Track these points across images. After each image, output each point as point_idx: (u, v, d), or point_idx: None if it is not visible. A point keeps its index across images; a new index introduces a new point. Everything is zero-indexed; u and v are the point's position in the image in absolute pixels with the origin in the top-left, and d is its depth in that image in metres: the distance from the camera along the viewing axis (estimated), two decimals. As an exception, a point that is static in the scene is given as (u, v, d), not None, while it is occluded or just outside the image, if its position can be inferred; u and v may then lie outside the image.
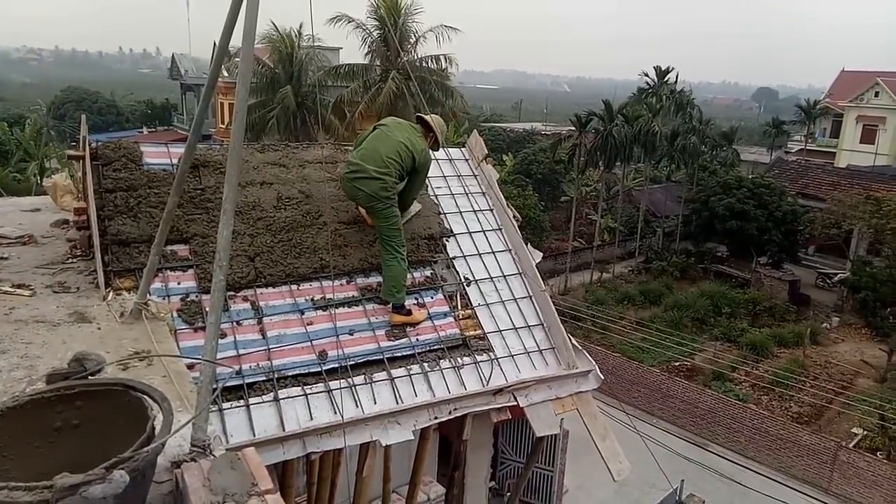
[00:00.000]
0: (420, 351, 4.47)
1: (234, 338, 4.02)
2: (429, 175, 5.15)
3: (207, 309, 3.71)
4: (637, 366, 20.12)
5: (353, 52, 25.67)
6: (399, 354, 4.40)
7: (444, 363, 4.47)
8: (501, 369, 4.60)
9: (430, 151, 4.92)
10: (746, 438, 17.47)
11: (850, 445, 16.64)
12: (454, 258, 5.20)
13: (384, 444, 3.99)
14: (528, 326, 4.99)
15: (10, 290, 3.96)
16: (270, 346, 4.08)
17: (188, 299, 4.12)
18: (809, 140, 50.19)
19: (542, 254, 5.76)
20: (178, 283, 4.19)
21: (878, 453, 16.50)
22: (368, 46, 24.24)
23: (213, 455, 2.20)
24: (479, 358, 4.60)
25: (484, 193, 5.84)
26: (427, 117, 4.97)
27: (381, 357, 4.33)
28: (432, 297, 4.87)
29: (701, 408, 18.42)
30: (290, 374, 4.00)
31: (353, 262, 4.77)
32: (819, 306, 27.25)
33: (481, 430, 5.30)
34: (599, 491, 14.04)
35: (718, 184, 30.05)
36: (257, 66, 24.42)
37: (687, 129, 32.98)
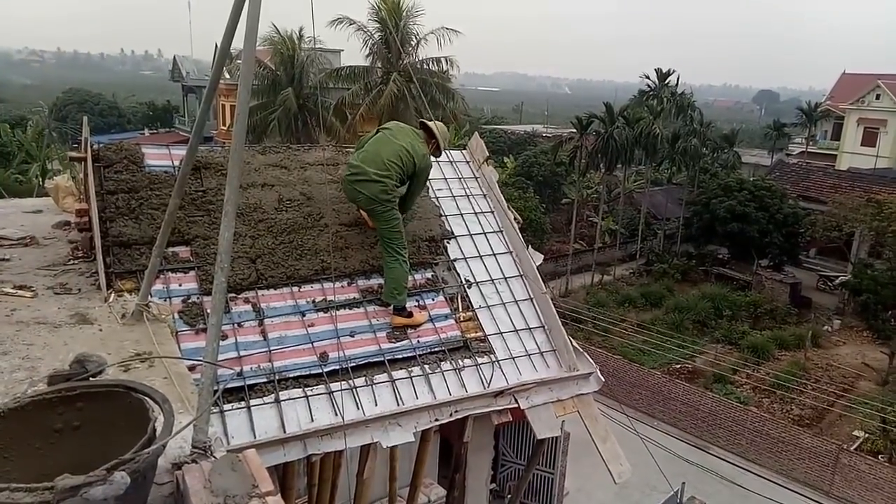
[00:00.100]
0: (421, 353, 4.47)
1: (236, 339, 4.03)
2: (430, 177, 5.16)
3: (209, 310, 3.71)
4: (638, 368, 20.11)
5: (354, 54, 25.71)
6: (400, 356, 4.40)
7: (445, 365, 4.47)
8: (502, 371, 4.60)
9: (431, 157, 4.94)
10: (747, 441, 17.45)
11: (852, 448, 16.62)
12: (455, 260, 5.20)
13: (385, 446, 3.98)
14: (529, 328, 4.98)
15: (11, 291, 3.96)
16: (271, 348, 4.08)
17: (189, 301, 4.12)
18: (810, 143, 50.20)
19: (542, 256, 5.76)
20: (180, 285, 4.19)
21: (879, 456, 16.47)
22: (369, 48, 24.27)
23: (214, 456, 2.20)
24: (479, 360, 4.60)
25: (485, 195, 5.84)
26: (430, 123, 4.99)
27: (382, 359, 4.33)
28: (433, 299, 4.87)
29: (702, 410, 18.40)
30: (291, 375, 4.00)
31: (355, 264, 4.77)
32: (820, 309, 27.23)
33: (482, 432, 5.30)
34: (600, 493, 14.03)
35: (719, 186, 30.05)
36: (259, 69, 24.46)
37: (688, 132, 33.00)
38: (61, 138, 41.97)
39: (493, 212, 5.72)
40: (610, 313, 24.52)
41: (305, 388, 3.97)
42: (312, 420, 3.82)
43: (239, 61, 2.82)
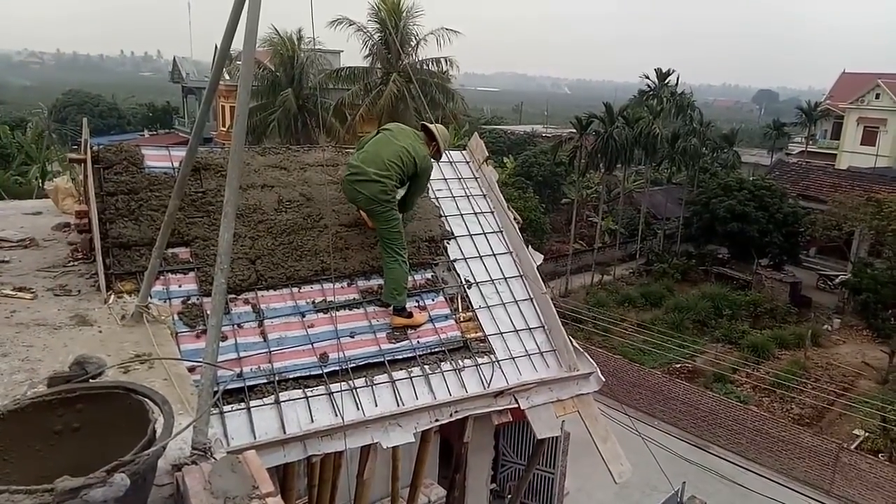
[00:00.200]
0: (421, 353, 4.48)
1: (235, 340, 4.03)
2: (430, 178, 5.16)
3: (208, 312, 3.71)
4: (638, 368, 20.11)
5: (353, 54, 25.71)
6: (400, 357, 4.40)
7: (445, 365, 4.47)
8: (502, 371, 4.60)
9: (432, 159, 4.94)
10: (748, 440, 17.45)
11: (852, 447, 16.61)
12: (455, 260, 5.20)
13: (385, 447, 3.99)
14: (529, 328, 4.98)
15: (11, 293, 3.96)
16: (271, 349, 4.08)
17: (189, 302, 4.12)
18: (810, 142, 50.20)
19: (542, 256, 5.76)
20: (180, 286, 4.19)
21: (879, 455, 16.46)
22: (369, 49, 24.27)
23: (214, 458, 2.20)
24: (480, 360, 4.60)
25: (485, 196, 5.84)
26: (431, 126, 5.00)
27: (382, 359, 4.33)
28: (433, 300, 4.87)
29: (702, 410, 18.40)
30: (291, 376, 4.00)
31: (354, 265, 4.77)
32: (820, 308, 27.23)
33: (482, 433, 5.30)
34: (600, 493, 14.02)
35: (719, 186, 30.04)
36: (258, 69, 24.46)
37: (688, 132, 33.00)
38: (61, 140, 41.92)
39: (492, 212, 5.72)
40: (610, 313, 24.52)
41: (305, 389, 3.97)
42: (312, 421, 3.83)
43: (239, 62, 2.82)
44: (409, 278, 4.75)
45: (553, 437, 5.62)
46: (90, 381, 2.11)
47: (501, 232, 5.59)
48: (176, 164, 4.78)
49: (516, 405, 4.50)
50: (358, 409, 4.00)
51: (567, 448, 8.54)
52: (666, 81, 42.12)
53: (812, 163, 41.55)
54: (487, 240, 5.48)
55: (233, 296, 4.22)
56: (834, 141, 47.79)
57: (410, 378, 4.30)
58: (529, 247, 5.55)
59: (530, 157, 37.54)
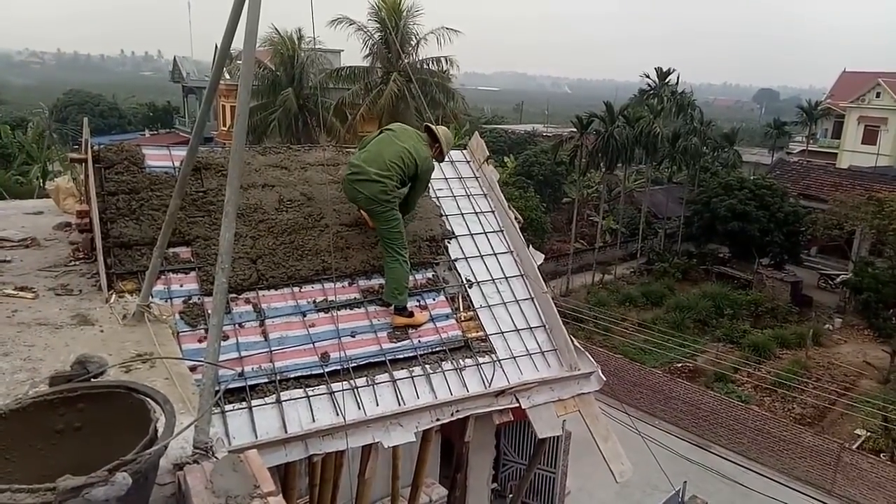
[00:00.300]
0: (422, 353, 4.48)
1: (237, 340, 4.03)
2: (431, 177, 5.16)
3: (210, 311, 3.72)
4: (639, 367, 20.11)
5: (354, 54, 25.71)
6: (401, 356, 4.41)
7: (446, 365, 4.47)
8: (503, 371, 4.60)
9: (434, 161, 4.95)
10: (749, 440, 17.44)
11: (853, 447, 16.60)
12: (456, 260, 5.20)
13: (386, 446, 3.99)
14: (530, 328, 4.98)
15: (12, 292, 3.96)
16: (272, 349, 4.08)
17: (190, 302, 4.12)
18: (811, 141, 50.18)
19: (543, 255, 5.76)
20: (181, 286, 4.19)
21: (881, 455, 16.46)
22: (369, 49, 24.27)
23: (216, 457, 2.20)
24: (481, 360, 4.60)
25: (485, 195, 5.84)
26: (435, 128, 5.00)
27: (383, 359, 4.33)
28: (434, 299, 4.87)
29: (703, 409, 18.39)
30: (293, 376, 4.01)
31: (355, 265, 4.77)
32: (821, 307, 27.22)
33: (483, 432, 5.29)
34: (601, 492, 14.02)
35: (720, 185, 30.03)
36: (259, 69, 24.46)
37: (688, 131, 32.96)
38: (62, 140, 41.96)
39: (493, 211, 5.72)
40: (611, 312, 24.52)
41: (307, 389, 3.98)
42: (314, 420, 3.83)
43: (239, 62, 2.82)
44: (410, 278, 4.75)
45: (554, 437, 5.62)
46: (92, 380, 2.12)
47: (502, 231, 5.59)
48: (177, 164, 4.78)
49: (517, 404, 4.50)
50: (359, 408, 4.00)
51: (568, 447, 8.54)
52: (666, 80, 42.09)
53: (813, 162, 41.53)
54: (488, 239, 5.48)
55: (234, 295, 4.22)
56: (835, 140, 47.77)
57: (412, 377, 4.30)
58: (530, 246, 5.55)
59: (531, 157, 37.54)
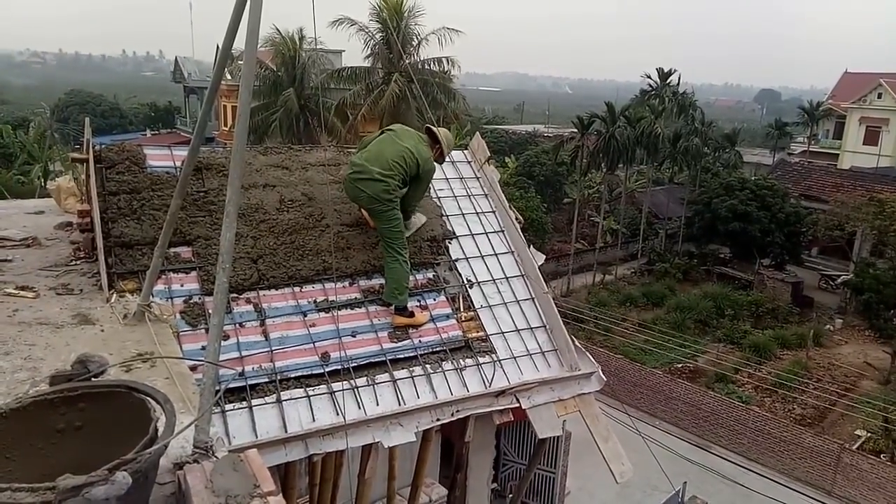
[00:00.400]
0: (422, 353, 4.48)
1: (237, 339, 4.03)
2: (431, 181, 5.16)
3: (210, 311, 3.73)
4: (640, 368, 20.10)
5: (355, 54, 25.75)
6: (401, 356, 4.41)
7: (447, 365, 4.47)
8: (504, 371, 4.60)
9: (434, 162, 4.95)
10: (749, 440, 17.43)
11: (854, 448, 16.59)
12: (457, 260, 5.20)
13: (386, 446, 3.99)
14: (531, 328, 4.99)
15: (13, 292, 3.97)
16: (273, 348, 4.08)
17: (191, 301, 4.13)
18: (812, 142, 50.14)
19: (544, 256, 5.76)
20: (182, 285, 4.20)
21: (881, 455, 16.44)
22: (371, 49, 24.27)
23: (216, 456, 2.20)
24: (481, 360, 4.60)
25: (486, 195, 5.85)
26: (436, 129, 5.00)
27: (384, 359, 4.33)
28: (435, 299, 4.88)
29: (703, 410, 18.38)
30: (293, 375, 4.01)
31: (356, 265, 4.78)
32: (822, 308, 27.20)
33: (483, 432, 5.30)
34: (601, 492, 14.02)
35: (721, 185, 30.03)
36: (260, 69, 24.48)
37: (689, 131, 32.95)
38: (63, 139, 42.01)
39: (494, 212, 5.72)
40: (611, 313, 24.51)
41: (307, 388, 3.98)
42: (314, 420, 3.83)
43: (240, 62, 2.82)
44: (411, 278, 4.76)
45: (554, 437, 5.62)
46: (92, 379, 2.12)
47: (503, 231, 5.59)
48: (178, 164, 4.79)
49: (517, 405, 4.50)
50: (359, 408, 4.01)
51: (568, 448, 8.54)
52: (668, 81, 42.04)
53: (814, 163, 41.53)
54: (489, 239, 5.48)
55: (235, 295, 4.23)
56: (836, 141, 47.75)
57: (412, 377, 4.31)
58: (531, 246, 5.55)
59: (532, 157, 37.53)
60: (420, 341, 4.53)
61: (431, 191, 5.54)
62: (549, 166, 36.34)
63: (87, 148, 4.69)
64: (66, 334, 3.40)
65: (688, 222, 31.94)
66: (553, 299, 5.27)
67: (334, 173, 5.30)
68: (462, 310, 4.89)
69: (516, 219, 5.67)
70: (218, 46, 4.98)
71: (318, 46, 25.57)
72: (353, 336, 4.38)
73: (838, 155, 45.26)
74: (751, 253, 28.87)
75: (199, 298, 4.15)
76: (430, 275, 5.02)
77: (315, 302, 4.46)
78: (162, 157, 4.88)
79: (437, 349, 4.54)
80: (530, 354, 4.81)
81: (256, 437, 3.62)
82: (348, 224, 4.98)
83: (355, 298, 4.62)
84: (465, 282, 5.07)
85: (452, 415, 4.25)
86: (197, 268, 4.30)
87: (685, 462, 15.34)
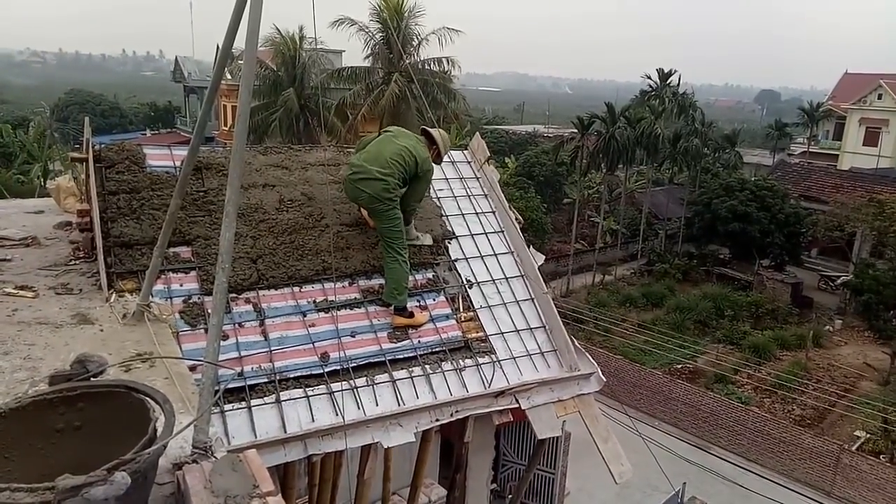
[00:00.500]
0: (422, 353, 4.48)
1: (236, 339, 4.03)
2: (430, 182, 5.16)
3: (210, 311, 3.72)
4: (639, 368, 20.11)
5: (355, 54, 25.78)
6: (401, 356, 4.41)
7: (446, 365, 4.47)
8: (503, 371, 4.60)
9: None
10: (749, 441, 17.44)
11: (853, 448, 16.60)
12: (456, 260, 5.20)
13: (386, 446, 3.99)
14: (530, 328, 4.98)
15: (13, 291, 3.97)
16: (272, 348, 4.08)
17: (190, 301, 4.13)
18: (812, 142, 50.18)
19: (544, 256, 5.76)
20: (181, 285, 4.20)
21: (881, 456, 16.45)
22: (371, 49, 24.27)
23: (215, 457, 2.20)
24: (480, 360, 4.60)
25: (486, 196, 5.84)
26: (432, 130, 5.01)
27: (383, 359, 4.33)
28: (434, 300, 4.87)
29: (703, 410, 18.39)
30: (292, 375, 4.01)
31: (356, 265, 4.77)
32: (822, 309, 27.20)
33: (483, 433, 5.30)
34: (601, 493, 14.02)
35: (721, 186, 30.04)
36: (260, 69, 24.46)
37: (689, 132, 32.97)
38: (63, 139, 42.02)
39: (494, 212, 5.72)
40: (611, 313, 24.51)
41: (306, 389, 3.98)
42: (313, 420, 3.83)
43: (240, 62, 2.82)
44: (411, 278, 4.75)
45: (554, 438, 5.62)
46: (91, 379, 2.12)
47: (503, 232, 5.59)
48: (177, 164, 4.79)
49: (517, 405, 4.50)
50: (359, 408, 4.00)
51: (568, 448, 8.53)
52: (668, 81, 42.05)
53: (814, 163, 41.51)
54: (489, 239, 5.48)
55: (234, 295, 4.23)
56: (836, 142, 47.76)
57: (411, 378, 4.30)
58: (531, 247, 5.55)
59: (532, 157, 37.54)
60: (419, 342, 4.53)
61: (431, 191, 5.54)
62: (549, 166, 36.35)
63: (87, 147, 4.69)
64: (66, 334, 3.40)
65: (687, 223, 31.95)
66: (552, 300, 5.26)
67: (334, 173, 5.30)
68: (461, 310, 4.89)
69: (516, 219, 5.66)
70: (218, 46, 4.99)
71: (318, 46, 25.57)
72: (353, 336, 4.38)
73: (838, 156, 45.27)
74: (750, 254, 28.88)
75: (199, 298, 4.14)
76: (430, 275, 5.02)
77: (314, 302, 4.46)
78: (161, 157, 4.87)
79: (437, 349, 4.54)
80: (530, 355, 4.81)
81: (255, 437, 3.62)
82: (348, 224, 4.98)
83: (355, 298, 4.62)
84: (465, 282, 5.07)
85: (452, 415, 4.25)
86: (196, 267, 4.30)
87: (684, 462, 15.35)
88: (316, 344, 4.22)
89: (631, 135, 29.30)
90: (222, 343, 3.67)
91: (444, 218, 5.44)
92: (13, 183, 27.20)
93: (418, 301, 4.79)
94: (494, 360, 4.64)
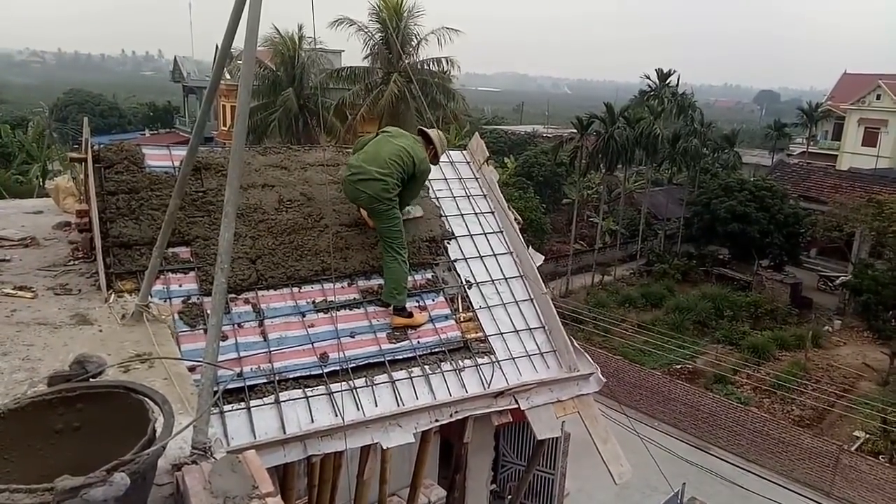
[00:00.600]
0: (421, 353, 4.47)
1: (236, 340, 4.03)
2: (430, 178, 5.17)
3: (209, 311, 3.72)
4: (638, 368, 20.11)
5: (354, 54, 25.73)
6: (400, 357, 4.40)
7: (446, 366, 4.47)
8: (503, 372, 4.60)
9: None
10: (748, 441, 17.45)
11: (852, 449, 16.61)
12: (455, 261, 5.20)
13: (385, 447, 3.98)
14: (530, 329, 4.98)
15: (12, 292, 3.96)
16: (271, 349, 4.08)
17: (189, 301, 4.12)
18: (811, 143, 50.23)
19: (543, 256, 5.76)
20: (180, 286, 4.19)
21: (880, 457, 16.46)
22: (370, 49, 24.28)
23: (214, 457, 2.20)
24: (480, 360, 4.60)
25: (485, 196, 5.84)
26: (429, 131, 5.02)
27: (382, 359, 4.33)
28: (433, 300, 4.87)
29: (702, 411, 18.40)
30: (291, 376, 4.00)
31: (355, 265, 4.77)
32: (821, 309, 27.22)
33: (482, 433, 5.29)
34: (601, 494, 14.02)
35: (720, 186, 30.07)
36: (259, 69, 24.47)
37: (688, 132, 33.00)
38: (62, 139, 41.97)
39: (493, 212, 5.72)
40: (610, 314, 24.52)
41: (305, 389, 3.97)
42: (312, 421, 3.82)
43: (239, 62, 2.82)
44: (410, 278, 4.75)
45: (553, 438, 5.61)
46: (90, 380, 2.11)
47: (502, 232, 5.59)
48: (177, 164, 4.78)
49: (516, 406, 4.49)
50: (358, 409, 4.00)
51: (567, 449, 8.53)
52: (667, 82, 42.10)
53: (813, 164, 41.55)
54: (488, 240, 5.47)
55: (233, 295, 4.22)
56: (835, 142, 47.81)
57: (410, 378, 4.30)
58: (530, 247, 5.55)
59: (531, 158, 37.57)
60: (419, 342, 4.53)
61: (430, 191, 5.55)
62: (549, 167, 36.38)
63: (86, 147, 4.69)
64: (65, 334, 3.39)
65: (687, 223, 31.97)
66: (552, 300, 5.26)
67: (333, 173, 5.30)
68: (461, 310, 4.89)
69: (515, 219, 5.66)
70: (217, 46, 4.97)
71: (317, 46, 25.57)
72: (352, 337, 4.38)
73: (837, 156, 45.31)
74: (750, 254, 28.89)
75: (198, 299, 4.14)
76: (429, 275, 5.02)
77: (314, 302, 4.45)
78: (160, 157, 4.87)
79: (436, 350, 4.54)
80: (529, 355, 4.81)
81: (255, 437, 3.61)
82: (347, 224, 4.98)
83: (354, 299, 4.62)
84: (464, 282, 5.06)
85: (451, 416, 4.24)
86: (195, 268, 4.30)
87: (684, 463, 15.35)
88: (315, 344, 4.21)
89: (630, 135, 29.33)
90: (221, 344, 3.67)
91: (443, 218, 5.44)
92: (12, 183, 27.18)
93: (417, 301, 4.79)
94: (494, 360, 4.64)
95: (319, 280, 4.58)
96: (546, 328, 5.03)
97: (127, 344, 3.34)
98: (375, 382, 4.18)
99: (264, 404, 3.80)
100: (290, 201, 4.92)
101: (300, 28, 24.87)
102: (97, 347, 3.19)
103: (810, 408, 19.33)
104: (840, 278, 27.73)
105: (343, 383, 4.08)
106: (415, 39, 24.09)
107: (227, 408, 3.68)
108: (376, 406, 4.06)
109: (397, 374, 4.28)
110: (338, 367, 4.14)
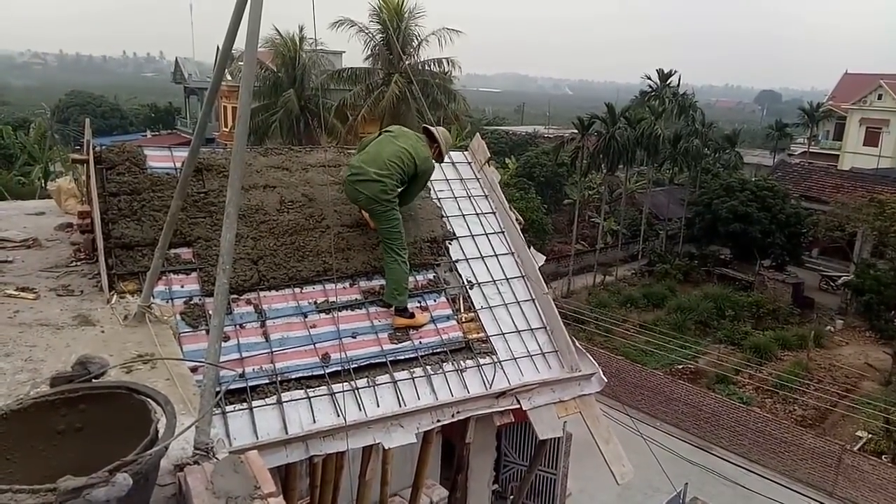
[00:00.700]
0: (423, 354, 4.48)
1: (238, 341, 4.03)
2: (432, 178, 5.17)
3: (211, 312, 3.73)
4: (640, 369, 20.09)
5: (355, 55, 25.75)
6: (402, 357, 4.41)
7: (447, 366, 4.47)
8: (504, 372, 4.60)
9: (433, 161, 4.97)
10: (750, 441, 17.42)
11: (855, 449, 16.58)
12: (457, 261, 5.20)
13: (387, 447, 3.99)
14: (531, 329, 4.98)
15: (14, 293, 3.97)
16: (273, 349, 4.08)
17: (191, 302, 4.13)
18: (813, 143, 50.17)
19: (544, 257, 5.76)
20: (182, 287, 4.20)
21: (882, 457, 16.42)
22: (371, 50, 24.28)
23: (216, 458, 2.20)
24: (481, 361, 4.60)
25: (486, 196, 5.85)
26: (433, 129, 5.02)
27: (384, 360, 4.33)
28: (435, 300, 4.87)
29: (704, 411, 18.37)
30: (293, 376, 4.01)
31: (356, 265, 4.78)
32: (823, 309, 27.18)
33: (484, 433, 5.29)
34: (602, 494, 14.01)
35: (721, 186, 30.03)
36: (260, 70, 24.49)
37: (690, 132, 32.97)
38: (63, 140, 42.03)
39: (494, 213, 5.72)
40: (612, 314, 24.49)
41: (307, 390, 3.98)
42: (314, 421, 3.83)
43: (241, 63, 2.82)
44: (411, 279, 4.76)
45: (555, 438, 5.62)
46: (93, 381, 2.12)
47: (503, 233, 5.59)
48: (178, 165, 4.79)
49: (518, 406, 4.50)
50: (360, 409, 4.00)
51: (569, 449, 8.52)
52: (668, 82, 42.05)
53: (814, 164, 41.50)
54: (489, 240, 5.48)
55: (235, 296, 4.23)
56: (836, 142, 47.76)
57: (412, 378, 4.30)
58: (531, 247, 5.56)
59: (532, 158, 37.54)
60: (420, 342, 4.53)
61: (432, 192, 5.55)
62: (550, 167, 36.36)
63: (88, 149, 4.69)
64: (67, 335, 3.40)
65: (688, 223, 31.93)
66: (553, 300, 5.27)
67: (334, 174, 5.30)
68: (462, 311, 4.89)
69: (516, 220, 5.67)
70: (218, 47, 4.98)
71: (318, 47, 25.58)
72: (354, 337, 4.38)
73: (838, 156, 45.27)
74: (751, 254, 28.86)
75: (200, 299, 4.14)
76: (431, 276, 5.02)
77: (315, 303, 4.46)
78: (162, 158, 4.88)
79: (438, 350, 4.54)
80: (531, 355, 4.81)
81: (257, 438, 3.62)
82: (348, 225, 4.98)
83: (356, 299, 4.62)
84: (466, 283, 5.07)
85: (453, 416, 4.25)
86: (197, 269, 4.30)
87: (686, 463, 15.33)
88: (317, 345, 4.22)
89: (631, 135, 29.31)
90: (223, 344, 3.67)
91: (444, 219, 5.44)
92: (14, 184, 27.21)
93: (419, 302, 4.79)
94: (495, 360, 4.64)
95: (321, 281, 4.58)
96: (548, 328, 5.03)
97: (129, 345, 3.34)
98: (377, 383, 4.19)
99: (266, 405, 3.80)
100: (291, 202, 4.92)
101: (301, 29, 24.90)
102: (99, 348, 3.19)
103: (812, 408, 19.29)
104: (842, 278, 27.70)
105: (345, 384, 4.08)
106: (415, 40, 24.09)
107: (229, 408, 3.69)
108: (378, 406, 4.06)
109: (399, 375, 4.28)
110: (340, 368, 4.15)
